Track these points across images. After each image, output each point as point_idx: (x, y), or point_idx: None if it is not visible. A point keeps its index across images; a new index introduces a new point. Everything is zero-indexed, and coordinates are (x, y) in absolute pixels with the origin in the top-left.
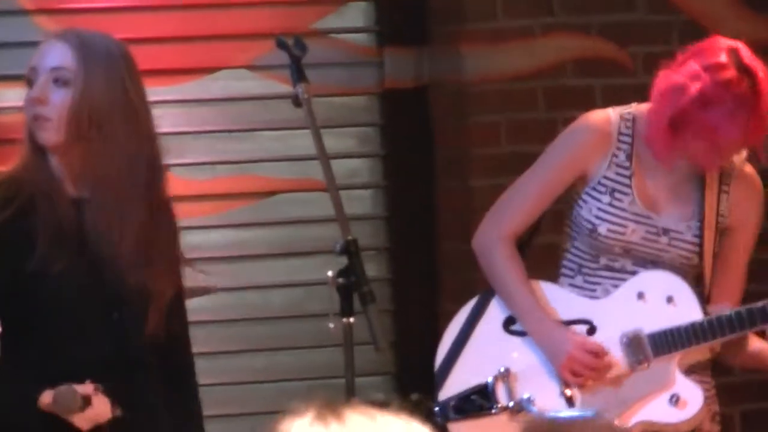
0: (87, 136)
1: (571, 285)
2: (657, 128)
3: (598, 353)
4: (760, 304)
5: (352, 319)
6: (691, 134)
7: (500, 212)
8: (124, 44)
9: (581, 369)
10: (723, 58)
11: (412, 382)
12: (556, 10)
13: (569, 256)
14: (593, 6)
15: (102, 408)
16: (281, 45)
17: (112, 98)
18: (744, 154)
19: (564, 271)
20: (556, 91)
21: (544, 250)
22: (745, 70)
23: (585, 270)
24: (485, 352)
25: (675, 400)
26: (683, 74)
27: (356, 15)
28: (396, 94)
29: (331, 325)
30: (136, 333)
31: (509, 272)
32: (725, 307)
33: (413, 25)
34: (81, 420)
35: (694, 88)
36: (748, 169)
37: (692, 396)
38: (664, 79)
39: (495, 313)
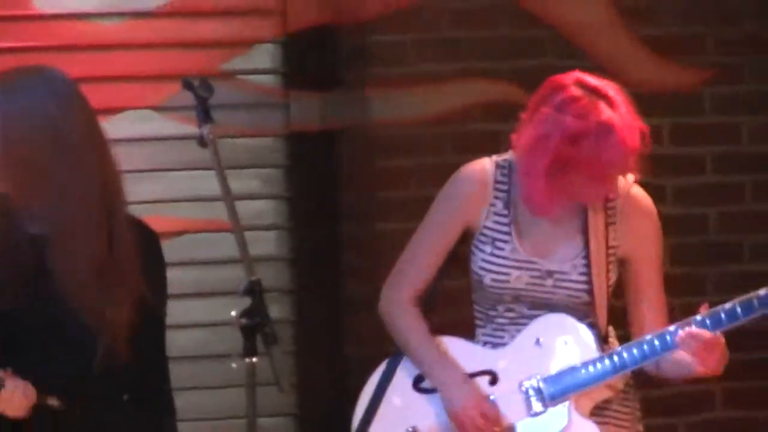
0: (26, 182)
1: (483, 334)
2: (533, 184)
3: (492, 418)
4: (648, 337)
5: (255, 360)
6: (571, 176)
7: (397, 275)
8: (60, 80)
9: (474, 429)
10: (571, 91)
11: (315, 423)
12: (465, 54)
13: (476, 306)
14: (502, 51)
15: (20, 390)
16: (187, 86)
17: (41, 141)
18: (629, 178)
19: (477, 322)
20: (464, 135)
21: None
22: (595, 93)
23: (492, 319)
24: (396, 412)
25: None
26: (540, 123)
27: (265, 57)
28: (302, 137)
29: (234, 366)
30: (95, 364)
31: (412, 332)
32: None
33: (321, 67)
34: (2, 404)
35: (556, 131)
36: (635, 191)
37: None
38: (524, 135)
39: (406, 372)
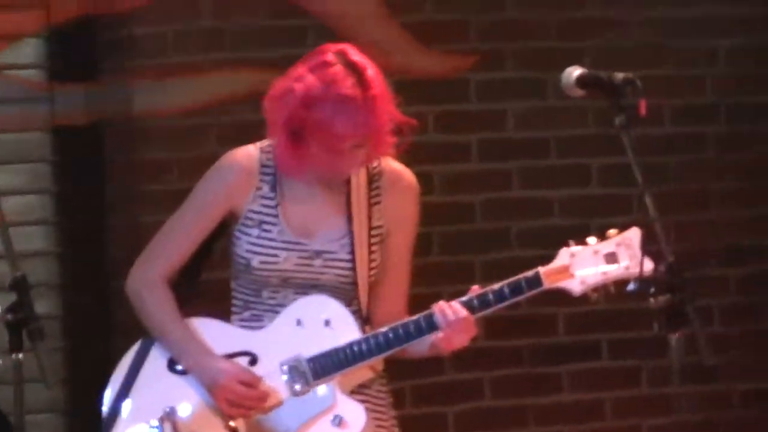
0: None
1: (240, 320)
2: (277, 140)
3: (251, 383)
4: (416, 317)
5: (20, 356)
6: (308, 141)
7: (148, 255)
8: None
9: (237, 399)
10: (329, 57)
11: (84, 419)
12: (226, 44)
13: (235, 293)
14: (264, 41)
15: None
16: None
17: None
18: (385, 159)
19: (233, 309)
20: (227, 126)
21: (220, 285)
22: (352, 67)
23: (251, 305)
24: (151, 393)
25: (338, 421)
26: (289, 78)
27: (28, 51)
28: (68, 130)
29: (0, 362)
30: None
31: (161, 313)
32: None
33: (83, 60)
34: None
35: (299, 88)
36: (399, 170)
37: (355, 415)
38: (273, 86)
39: (160, 353)
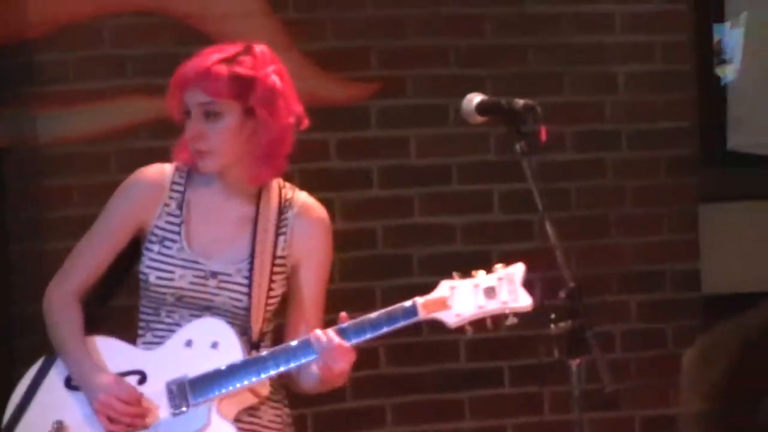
0: None
1: (143, 341)
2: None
3: (130, 401)
4: (294, 342)
5: None
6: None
7: (61, 273)
8: None
9: (115, 415)
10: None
11: None
12: (128, 72)
13: (140, 314)
14: (165, 68)
15: None
16: None
17: None
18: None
19: (139, 330)
20: (129, 153)
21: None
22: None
23: (152, 325)
24: (46, 408)
25: None
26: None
27: None
28: None
29: None
30: None
31: (63, 328)
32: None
33: None
34: None
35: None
36: (307, 201)
37: None
38: None
39: (60, 370)
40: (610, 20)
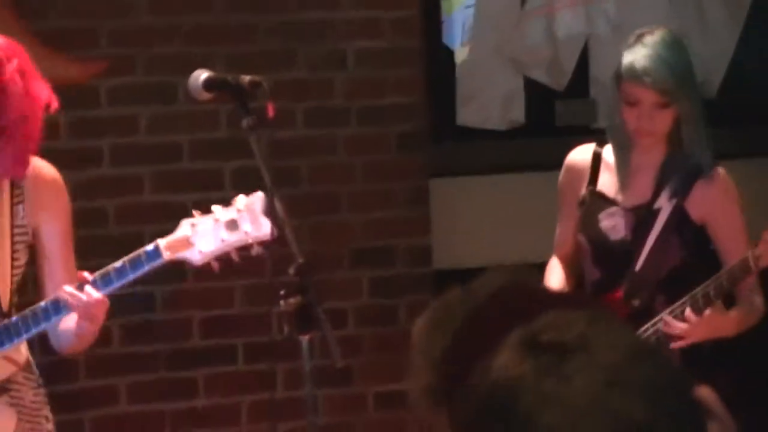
0: None
1: None
2: None
3: None
4: (42, 304)
5: None
6: None
7: None
8: None
9: None
10: None
11: None
12: None
13: None
14: None
15: None
16: None
17: None
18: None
19: None
20: None
21: None
22: None
23: None
24: None
25: None
26: None
27: None
28: None
29: None
30: None
31: None
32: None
33: None
34: None
35: None
36: (36, 164)
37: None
38: None
39: None
40: None
